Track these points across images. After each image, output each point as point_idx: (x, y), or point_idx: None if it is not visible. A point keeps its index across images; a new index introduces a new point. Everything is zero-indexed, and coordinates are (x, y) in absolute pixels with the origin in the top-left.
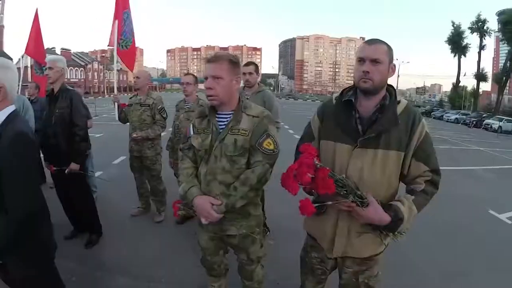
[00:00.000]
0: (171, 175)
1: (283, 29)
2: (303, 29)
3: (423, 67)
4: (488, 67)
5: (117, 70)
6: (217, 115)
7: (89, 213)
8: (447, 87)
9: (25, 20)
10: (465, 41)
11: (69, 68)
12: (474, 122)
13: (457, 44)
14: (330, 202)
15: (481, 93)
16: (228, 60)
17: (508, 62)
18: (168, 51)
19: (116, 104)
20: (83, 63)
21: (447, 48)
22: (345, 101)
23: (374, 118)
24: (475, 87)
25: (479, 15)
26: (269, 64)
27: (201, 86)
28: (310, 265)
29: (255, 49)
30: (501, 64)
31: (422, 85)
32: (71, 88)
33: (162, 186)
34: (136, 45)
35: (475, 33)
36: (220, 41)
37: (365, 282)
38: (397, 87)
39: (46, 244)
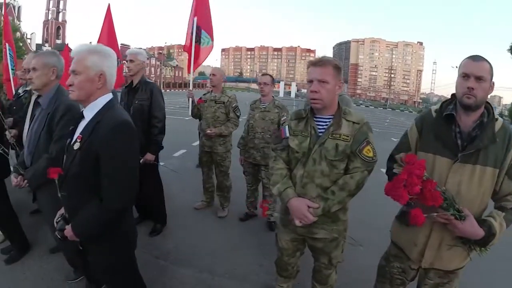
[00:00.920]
0: (237, 172)
1: (338, 31)
2: (358, 31)
3: None
4: None
5: (173, 67)
6: (315, 118)
7: (157, 202)
8: (507, 100)
9: (84, 15)
10: None
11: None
12: None
13: None
14: (435, 214)
15: None
16: (333, 65)
17: None
18: (222, 50)
19: (190, 99)
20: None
21: (509, 57)
22: (446, 115)
23: (474, 134)
24: None
25: None
26: None
27: (242, 85)
28: (390, 274)
29: (308, 50)
30: None
31: None
32: (151, 81)
33: (229, 182)
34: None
35: None
36: (274, 41)
37: None
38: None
39: (130, 234)
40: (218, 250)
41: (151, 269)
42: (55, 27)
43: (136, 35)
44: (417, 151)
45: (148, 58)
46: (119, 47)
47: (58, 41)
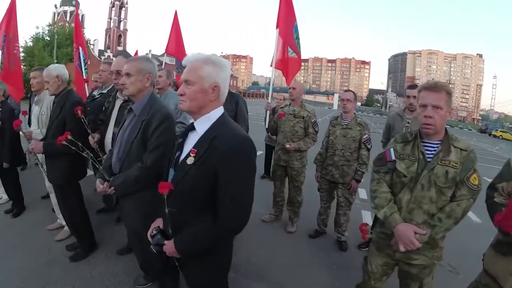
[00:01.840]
0: (308, 187)
1: (394, 42)
2: (415, 42)
3: None
4: None
5: None
6: (422, 143)
7: None
8: None
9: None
10: None
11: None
12: None
13: None
14: None
15: None
16: (447, 91)
17: None
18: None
19: (268, 111)
20: None
21: None
22: None
23: None
24: None
25: None
26: (378, 79)
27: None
28: None
29: (363, 62)
30: None
31: None
32: (237, 93)
33: (301, 197)
34: (247, 54)
35: None
36: (327, 53)
37: None
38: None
39: (230, 251)
40: (288, 266)
41: None
42: (116, 34)
43: (192, 44)
44: None
45: None
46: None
47: (119, 48)
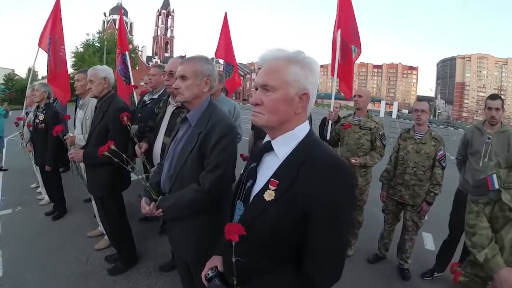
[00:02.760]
0: (370, 207)
1: (442, 46)
2: (464, 46)
3: None
4: None
5: None
6: None
7: None
8: None
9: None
10: None
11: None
12: None
13: None
14: None
15: None
16: None
17: None
18: (321, 66)
19: (330, 121)
20: (242, 73)
21: None
22: None
23: None
24: None
25: None
26: (426, 85)
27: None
28: None
29: (410, 68)
30: None
31: None
32: None
33: (362, 217)
34: None
35: None
36: (373, 58)
37: None
38: None
39: None
40: None
41: None
42: (163, 42)
43: (237, 51)
44: None
45: (249, 73)
46: (222, 62)
47: (167, 55)
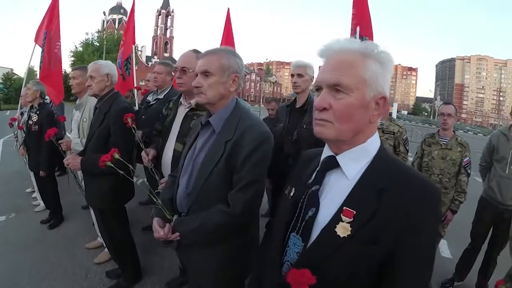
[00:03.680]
0: None
1: (441, 47)
2: (463, 48)
3: None
4: None
5: (272, 83)
6: None
7: None
8: None
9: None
10: None
11: None
12: None
13: None
14: None
15: None
16: None
17: None
18: (320, 67)
19: None
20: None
21: None
22: None
23: None
24: None
25: None
26: (425, 86)
27: None
28: None
29: (410, 69)
30: None
31: None
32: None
33: None
34: (290, 60)
35: None
36: None
37: None
38: None
39: None
40: None
41: None
42: (163, 42)
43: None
44: None
45: (248, 73)
46: None
47: (166, 55)
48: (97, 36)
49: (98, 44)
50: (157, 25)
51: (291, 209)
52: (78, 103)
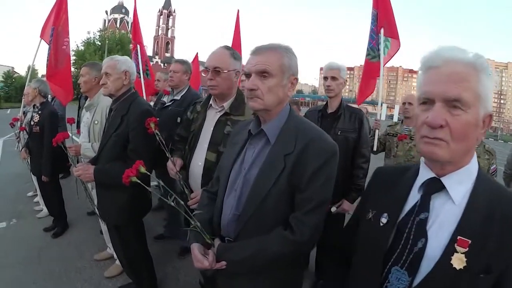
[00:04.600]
0: None
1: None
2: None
3: None
4: None
5: None
6: None
7: None
8: None
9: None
10: None
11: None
12: None
13: None
14: None
15: None
16: None
17: None
18: (321, 68)
19: (377, 131)
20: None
21: None
22: None
23: None
24: None
25: None
26: None
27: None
28: None
29: (411, 71)
30: None
31: None
32: (357, 108)
33: None
34: None
35: None
36: None
37: None
38: None
39: None
40: None
41: None
42: (164, 42)
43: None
44: None
45: None
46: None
47: (167, 55)
48: (98, 35)
49: (99, 43)
50: (158, 25)
51: (388, 238)
52: (88, 103)
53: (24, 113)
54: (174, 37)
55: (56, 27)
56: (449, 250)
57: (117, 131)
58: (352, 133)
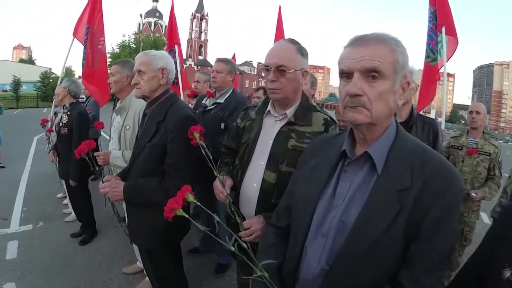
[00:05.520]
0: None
1: (479, 52)
2: (502, 52)
3: None
4: None
5: None
6: None
7: None
8: None
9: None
10: None
11: (259, 79)
12: None
13: None
14: None
15: None
16: None
17: None
18: None
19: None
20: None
21: None
22: None
23: None
24: None
25: None
26: (463, 93)
27: None
28: None
29: (448, 75)
30: None
31: None
32: (428, 117)
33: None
34: (324, 64)
35: None
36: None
37: None
38: None
39: None
40: None
41: None
42: (197, 45)
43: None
44: None
45: None
46: (256, 66)
47: (200, 57)
48: (133, 38)
49: (134, 46)
50: (191, 28)
51: None
52: (119, 106)
53: (55, 114)
54: (207, 40)
55: (91, 26)
56: None
57: (152, 140)
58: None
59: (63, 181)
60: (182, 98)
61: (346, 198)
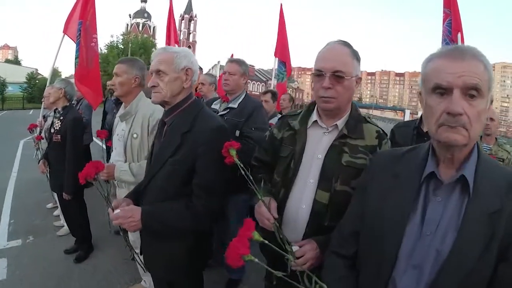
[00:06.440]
0: None
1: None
2: (488, 55)
3: None
4: None
5: (294, 88)
6: None
7: None
8: None
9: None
10: None
11: (252, 82)
12: None
13: None
14: None
15: None
16: None
17: None
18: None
19: None
20: (264, 79)
21: None
22: None
23: None
24: None
25: None
26: None
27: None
28: None
29: (398, 75)
30: None
31: None
32: None
33: None
34: (312, 66)
35: None
36: (396, 66)
37: None
38: None
39: None
40: None
41: None
42: (186, 46)
43: (254, 57)
44: None
45: (270, 79)
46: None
47: None
48: (121, 39)
49: (122, 47)
50: (180, 30)
51: None
52: (124, 111)
53: (44, 117)
54: (195, 42)
55: (84, 21)
56: None
57: (176, 156)
58: None
59: (55, 193)
60: None
61: (440, 225)
